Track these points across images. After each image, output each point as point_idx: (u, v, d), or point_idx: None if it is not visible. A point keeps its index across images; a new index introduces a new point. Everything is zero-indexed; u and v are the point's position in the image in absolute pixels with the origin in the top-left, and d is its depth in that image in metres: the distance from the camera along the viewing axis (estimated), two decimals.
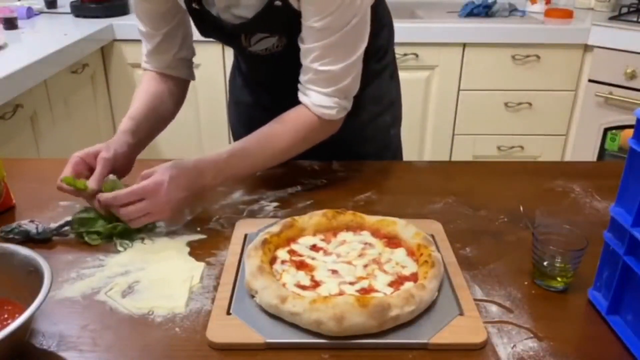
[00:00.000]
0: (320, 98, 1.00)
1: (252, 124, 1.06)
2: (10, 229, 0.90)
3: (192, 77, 1.21)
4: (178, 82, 1.18)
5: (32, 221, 0.90)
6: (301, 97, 1.02)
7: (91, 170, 0.94)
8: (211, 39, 1.15)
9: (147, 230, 0.93)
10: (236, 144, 1.00)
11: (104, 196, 0.89)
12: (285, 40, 1.03)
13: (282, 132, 1.01)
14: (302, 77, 1.01)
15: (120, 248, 0.89)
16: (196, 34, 1.16)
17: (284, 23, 0.99)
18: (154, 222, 0.93)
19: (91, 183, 0.91)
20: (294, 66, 1.03)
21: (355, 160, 1.19)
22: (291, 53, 1.01)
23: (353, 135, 1.17)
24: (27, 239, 0.89)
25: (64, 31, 2.21)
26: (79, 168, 0.94)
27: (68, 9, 2.56)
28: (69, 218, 0.91)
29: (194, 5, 1.03)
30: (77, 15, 2.51)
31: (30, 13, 2.48)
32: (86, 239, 0.90)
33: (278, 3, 0.95)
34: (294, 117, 1.02)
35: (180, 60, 1.16)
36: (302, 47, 0.98)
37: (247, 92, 1.29)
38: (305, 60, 0.99)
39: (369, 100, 1.18)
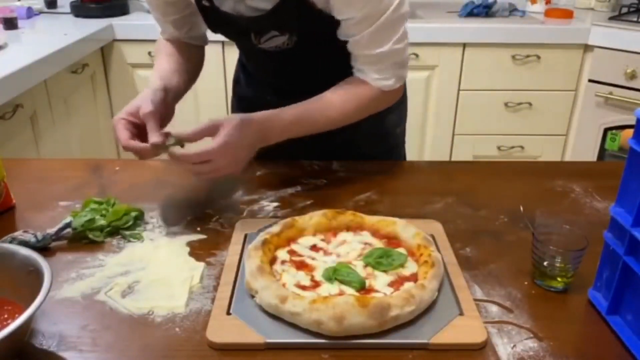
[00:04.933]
0: (378, 74, 1.03)
1: None
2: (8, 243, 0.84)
3: (205, 42, 1.24)
4: (194, 46, 1.21)
5: (26, 231, 0.87)
6: (358, 74, 1.05)
7: (138, 127, 0.94)
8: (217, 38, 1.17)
9: (147, 230, 0.93)
10: (299, 108, 1.02)
11: (176, 152, 0.92)
12: (296, 38, 1.04)
13: (344, 100, 1.04)
14: (355, 63, 1.05)
15: (132, 239, 0.90)
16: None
17: (299, 19, 1.00)
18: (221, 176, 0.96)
19: (152, 138, 0.90)
20: (302, 63, 1.06)
21: (358, 160, 1.19)
22: (301, 50, 1.04)
23: (361, 135, 1.17)
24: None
25: (64, 31, 2.21)
26: (129, 129, 0.93)
27: (68, 9, 2.56)
28: (67, 220, 0.90)
29: (203, 2, 1.03)
30: (77, 15, 2.52)
31: (30, 13, 2.48)
32: (90, 236, 0.90)
33: None
34: (355, 87, 1.05)
35: (192, 36, 1.19)
36: (350, 40, 1.01)
37: (251, 90, 1.30)
38: (355, 50, 1.02)
39: None
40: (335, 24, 1.00)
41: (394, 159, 1.33)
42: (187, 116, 2.57)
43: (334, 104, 1.04)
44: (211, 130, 0.92)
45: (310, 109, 1.03)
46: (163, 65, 1.10)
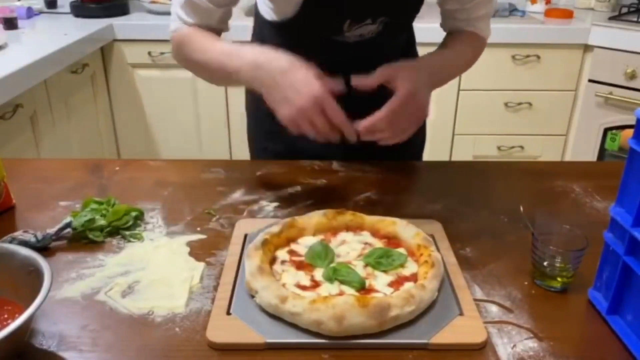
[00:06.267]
0: (486, 25, 1.18)
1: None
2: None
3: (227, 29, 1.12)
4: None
5: (26, 231, 0.87)
6: (469, 28, 1.18)
7: None
8: None
9: (147, 230, 0.93)
10: (442, 55, 1.17)
11: (364, 126, 0.92)
12: (382, 27, 1.08)
13: (466, 51, 1.20)
14: (466, 23, 1.17)
15: (132, 239, 0.90)
16: None
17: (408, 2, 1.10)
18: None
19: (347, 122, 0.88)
20: (373, 54, 1.09)
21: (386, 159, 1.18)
22: (378, 40, 1.10)
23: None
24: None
25: (64, 31, 2.21)
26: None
27: (68, 9, 2.56)
28: (67, 220, 0.90)
29: None
30: (77, 15, 2.52)
31: (30, 13, 2.48)
32: (90, 236, 0.90)
33: None
34: (469, 38, 1.18)
35: (225, 17, 1.08)
36: (467, 6, 1.12)
37: None
38: (471, 14, 1.14)
39: None
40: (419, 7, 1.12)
41: (420, 159, 1.37)
42: (187, 124, 2.58)
43: (463, 53, 1.19)
44: (387, 76, 0.96)
45: (448, 57, 1.17)
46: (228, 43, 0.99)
